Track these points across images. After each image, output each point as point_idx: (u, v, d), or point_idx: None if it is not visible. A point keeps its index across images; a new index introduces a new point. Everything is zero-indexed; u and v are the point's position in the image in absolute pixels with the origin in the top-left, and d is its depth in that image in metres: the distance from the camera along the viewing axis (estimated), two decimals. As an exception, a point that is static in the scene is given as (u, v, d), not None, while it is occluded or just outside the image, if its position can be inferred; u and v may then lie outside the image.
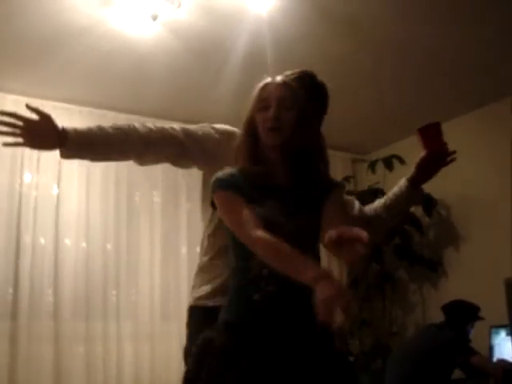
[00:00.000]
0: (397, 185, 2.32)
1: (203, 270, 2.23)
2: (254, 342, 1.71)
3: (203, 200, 2.26)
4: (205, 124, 2.26)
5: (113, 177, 4.83)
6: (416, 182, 2.26)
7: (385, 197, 2.37)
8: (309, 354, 1.72)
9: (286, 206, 1.78)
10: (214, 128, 2.24)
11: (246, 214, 1.73)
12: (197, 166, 2.29)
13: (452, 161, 2.23)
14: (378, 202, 2.38)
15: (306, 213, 1.80)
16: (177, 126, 2.23)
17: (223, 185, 1.81)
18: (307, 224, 1.79)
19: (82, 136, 2.15)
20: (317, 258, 1.82)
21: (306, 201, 1.83)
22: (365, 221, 2.30)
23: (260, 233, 1.67)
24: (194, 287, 2.24)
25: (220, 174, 1.84)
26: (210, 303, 2.09)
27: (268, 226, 1.71)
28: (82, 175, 4.70)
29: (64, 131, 2.11)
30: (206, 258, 2.24)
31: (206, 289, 2.16)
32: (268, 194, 1.80)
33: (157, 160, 2.27)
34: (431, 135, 2.16)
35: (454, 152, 2.20)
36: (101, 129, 2.17)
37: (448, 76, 4.33)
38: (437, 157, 2.19)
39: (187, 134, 2.19)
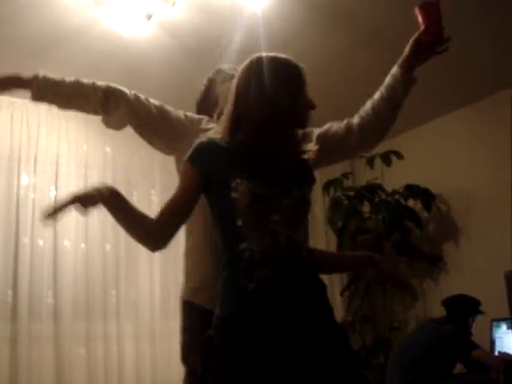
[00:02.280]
0: (389, 75, 2.22)
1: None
2: (256, 338, 1.64)
3: None
4: (180, 110, 2.33)
5: (110, 176, 4.83)
6: (409, 65, 2.16)
7: (379, 90, 2.24)
8: (314, 343, 1.67)
9: (279, 180, 1.75)
10: (185, 115, 2.31)
11: (173, 198, 1.76)
12: (161, 144, 2.31)
13: (445, 50, 2.14)
14: (373, 100, 2.25)
15: (297, 188, 1.78)
16: (155, 101, 2.32)
17: (190, 156, 1.79)
18: (299, 199, 1.77)
19: (49, 77, 2.27)
20: (307, 234, 1.80)
21: (295, 176, 1.81)
22: (354, 134, 2.22)
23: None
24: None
25: (202, 142, 1.81)
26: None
27: (258, 200, 1.70)
28: (80, 176, 4.70)
29: (34, 75, 2.22)
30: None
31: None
32: (259, 167, 1.75)
33: (120, 116, 2.27)
34: (430, 13, 2.12)
35: (449, 39, 2.11)
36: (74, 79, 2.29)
37: (445, 70, 4.32)
38: (434, 35, 2.10)
39: (160, 108, 2.29)
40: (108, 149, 4.89)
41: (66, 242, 4.54)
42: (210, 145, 1.80)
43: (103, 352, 4.51)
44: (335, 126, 2.27)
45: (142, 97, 2.29)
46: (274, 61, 1.81)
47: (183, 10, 3.61)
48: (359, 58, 4.24)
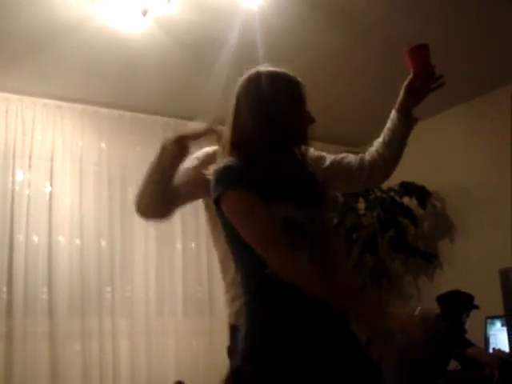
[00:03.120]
0: (389, 119, 2.26)
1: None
2: (289, 369, 1.55)
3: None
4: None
5: (105, 173, 4.82)
6: (405, 108, 2.20)
7: (381, 135, 2.29)
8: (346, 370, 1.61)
9: (305, 202, 1.69)
10: (193, 157, 2.23)
11: (274, 226, 1.58)
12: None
13: (441, 85, 2.18)
14: (377, 142, 2.30)
15: (319, 208, 1.74)
16: None
17: (236, 182, 1.63)
18: (325, 221, 1.74)
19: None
20: (336, 253, 1.75)
21: (314, 194, 1.77)
22: (366, 170, 2.27)
23: (303, 260, 1.58)
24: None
25: (226, 166, 1.66)
26: None
27: (292, 227, 1.63)
28: (75, 172, 4.68)
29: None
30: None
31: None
32: (285, 189, 1.67)
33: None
34: (419, 56, 2.13)
35: (442, 76, 2.16)
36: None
37: (441, 67, 4.32)
38: (425, 79, 2.14)
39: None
40: (103, 145, 4.87)
41: (61, 238, 4.53)
42: (235, 167, 1.66)
43: (98, 348, 4.49)
44: (350, 157, 2.32)
45: None
46: (273, 78, 1.75)
47: (179, 6, 3.59)
48: (356, 55, 4.23)
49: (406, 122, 2.21)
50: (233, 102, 1.77)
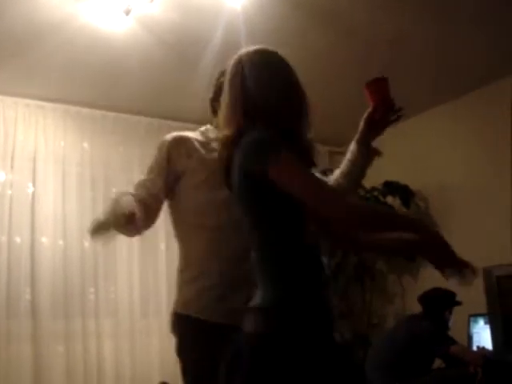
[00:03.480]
0: (348, 150, 2.28)
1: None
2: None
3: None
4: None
5: (88, 173, 4.80)
6: (365, 140, 2.22)
7: (341, 165, 2.32)
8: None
9: None
10: (161, 141, 2.30)
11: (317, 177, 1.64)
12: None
13: (400, 118, 2.19)
14: (337, 171, 2.33)
15: None
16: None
17: (276, 148, 1.61)
18: None
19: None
20: None
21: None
22: None
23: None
24: None
25: (261, 136, 1.64)
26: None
27: None
28: (58, 172, 4.66)
29: None
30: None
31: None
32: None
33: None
34: (378, 90, 2.14)
35: (401, 109, 2.17)
36: None
37: (425, 67, 4.34)
38: (384, 112, 2.15)
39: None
40: (86, 145, 4.85)
41: (44, 239, 4.50)
42: (270, 136, 1.65)
43: (82, 350, 4.47)
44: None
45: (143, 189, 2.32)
46: (280, 58, 1.88)
47: (162, 6, 3.58)
48: (339, 55, 4.24)
49: (366, 153, 2.24)
50: (235, 78, 1.78)
